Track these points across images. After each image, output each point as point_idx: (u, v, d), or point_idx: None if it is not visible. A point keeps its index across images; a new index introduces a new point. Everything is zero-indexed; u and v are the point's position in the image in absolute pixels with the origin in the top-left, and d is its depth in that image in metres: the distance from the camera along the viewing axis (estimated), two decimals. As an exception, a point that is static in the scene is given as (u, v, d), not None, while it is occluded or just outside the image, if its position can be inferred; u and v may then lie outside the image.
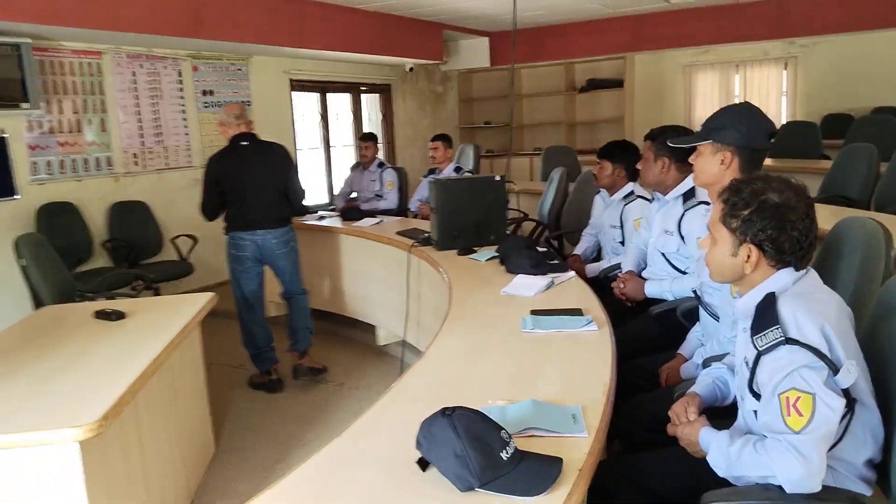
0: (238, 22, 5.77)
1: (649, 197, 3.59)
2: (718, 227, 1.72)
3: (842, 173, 5.05)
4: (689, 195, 2.89)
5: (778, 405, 1.49)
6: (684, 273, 2.96)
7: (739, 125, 2.19)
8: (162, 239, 6.04)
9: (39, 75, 5.22)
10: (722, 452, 1.61)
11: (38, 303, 3.67)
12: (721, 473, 1.62)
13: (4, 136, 5.08)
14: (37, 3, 4.47)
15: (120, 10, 4.90)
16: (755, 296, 1.66)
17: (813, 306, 1.56)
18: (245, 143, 4.10)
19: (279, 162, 4.21)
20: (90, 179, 5.71)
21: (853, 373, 1.49)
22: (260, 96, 7.12)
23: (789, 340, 1.51)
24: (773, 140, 2.27)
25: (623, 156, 3.81)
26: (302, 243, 5.37)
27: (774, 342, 1.53)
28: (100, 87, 5.73)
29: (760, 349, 1.55)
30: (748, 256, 1.66)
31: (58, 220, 5.30)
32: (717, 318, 2.36)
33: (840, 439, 1.55)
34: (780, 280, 1.65)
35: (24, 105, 4.96)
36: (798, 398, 1.47)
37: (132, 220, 5.87)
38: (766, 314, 1.58)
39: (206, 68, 6.63)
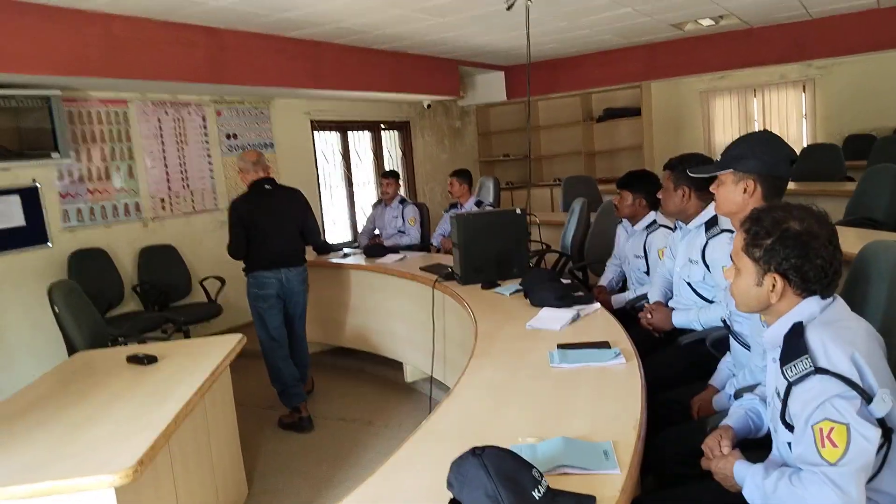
0: (258, 66, 5.91)
1: (672, 226, 3.59)
2: (741, 258, 1.72)
3: (867, 195, 5.00)
4: (711, 223, 2.88)
5: (812, 437, 1.48)
6: (711, 302, 2.94)
7: (761, 153, 2.20)
8: (190, 281, 6.13)
9: (69, 125, 5.37)
10: (757, 486, 1.59)
11: (72, 349, 3.73)
12: (757, 507, 1.60)
13: (37, 185, 5.22)
14: (66, 56, 4.62)
15: (145, 59, 5.05)
16: (783, 325, 1.65)
17: (842, 334, 1.55)
18: (268, 186, 4.34)
19: (297, 204, 4.50)
20: (119, 225, 5.84)
21: (888, 402, 1.48)
22: (282, 138, 7.26)
23: (819, 370, 1.50)
24: (793, 166, 2.27)
25: (642, 185, 3.82)
26: (327, 281, 5.43)
27: (804, 372, 1.52)
28: (126, 134, 5.88)
29: (791, 380, 1.54)
30: (773, 286, 1.65)
31: (89, 266, 5.41)
32: (748, 347, 2.34)
33: (879, 471, 1.53)
34: (807, 309, 1.64)
35: (55, 155, 5.10)
36: (832, 429, 1.45)
37: (161, 263, 5.96)
38: (794, 344, 1.57)
39: (230, 112, 6.78)
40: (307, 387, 4.71)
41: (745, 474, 1.64)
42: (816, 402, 1.48)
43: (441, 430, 1.97)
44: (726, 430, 1.85)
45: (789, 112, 8.74)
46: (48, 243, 5.31)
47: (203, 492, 2.91)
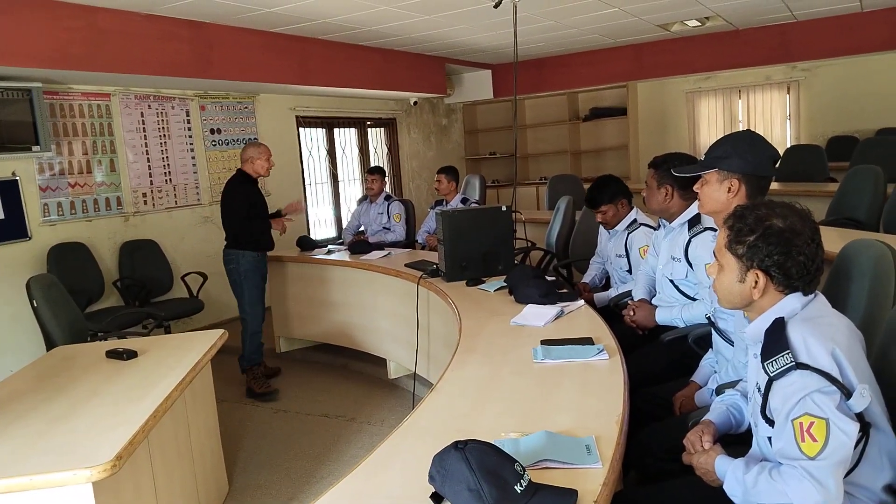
0: (244, 61, 5.87)
1: (653, 224, 3.60)
2: (724, 254, 1.72)
3: (849, 196, 5.05)
4: (694, 221, 2.89)
5: (792, 431, 1.49)
6: (694, 299, 2.95)
7: (744, 153, 2.21)
8: (172, 277, 6.08)
9: (50, 118, 5.32)
10: (738, 480, 1.59)
11: (51, 343, 3.69)
12: (738, 502, 1.61)
13: (16, 178, 5.16)
14: (47, 48, 4.56)
15: (129, 52, 5.00)
16: (764, 321, 1.66)
17: (823, 330, 1.56)
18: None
19: None
20: (100, 219, 5.78)
21: (866, 396, 1.49)
22: (267, 133, 7.21)
23: (800, 365, 1.51)
24: (776, 166, 2.29)
25: (614, 193, 3.83)
26: (311, 277, 5.43)
27: (785, 367, 1.53)
28: (109, 128, 5.82)
29: (772, 375, 1.55)
30: (756, 282, 1.66)
31: (69, 260, 5.35)
32: (731, 343, 2.35)
33: (856, 465, 1.54)
34: (789, 305, 1.65)
35: (35, 148, 5.04)
36: (812, 423, 1.46)
37: (142, 258, 5.91)
38: (775, 339, 1.58)
39: (214, 107, 6.73)
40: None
41: (726, 469, 1.65)
42: (797, 396, 1.49)
43: (424, 425, 1.96)
44: (707, 426, 1.86)
45: (773, 113, 8.82)
46: (28, 237, 5.24)
47: (183, 487, 2.88)
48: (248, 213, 4.67)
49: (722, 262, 1.74)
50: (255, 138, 7.10)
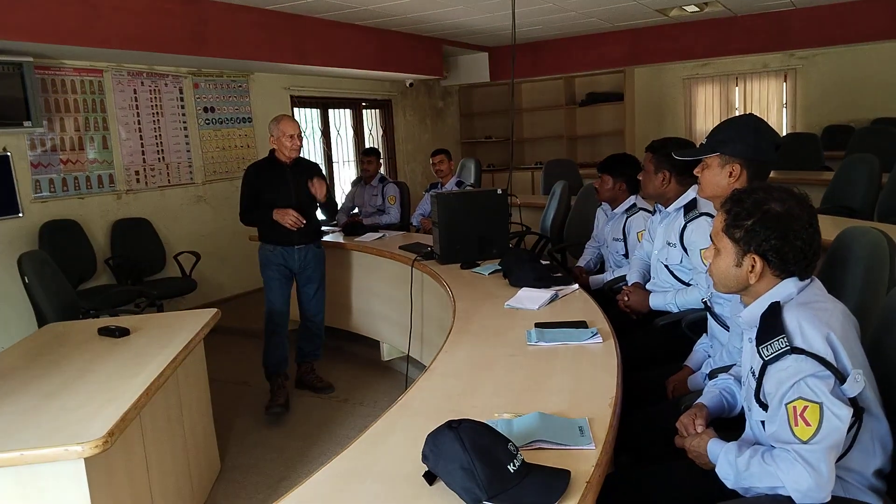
0: (239, 39, 5.81)
1: (651, 209, 3.60)
2: (721, 238, 1.72)
3: (844, 184, 5.06)
4: (690, 206, 2.89)
5: (785, 415, 1.49)
6: (688, 284, 2.95)
7: (747, 137, 2.20)
8: (165, 256, 6.05)
9: (41, 93, 5.25)
10: (730, 464, 1.60)
11: (42, 320, 3.66)
12: (730, 485, 1.61)
13: (7, 154, 5.11)
14: (39, 21, 4.50)
15: (121, 27, 4.93)
16: (760, 305, 1.66)
17: (818, 315, 1.55)
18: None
19: None
20: (92, 197, 5.73)
21: (860, 382, 1.49)
22: (261, 113, 7.15)
23: (795, 349, 1.51)
24: (778, 151, 2.28)
25: (624, 169, 3.82)
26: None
27: (780, 351, 1.53)
28: (101, 104, 5.76)
29: (766, 359, 1.55)
30: (752, 266, 1.66)
31: (61, 237, 5.31)
32: (727, 327, 2.35)
33: (849, 449, 1.55)
34: (785, 289, 1.65)
35: (27, 123, 4.98)
36: (805, 407, 1.47)
37: (135, 237, 5.87)
38: (771, 324, 1.58)
39: (207, 85, 6.67)
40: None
41: (719, 452, 1.65)
42: (791, 381, 1.49)
43: (417, 405, 1.96)
44: (700, 409, 1.86)
45: (770, 101, 8.81)
46: (19, 213, 5.20)
47: (175, 465, 2.88)
48: (250, 201, 4.14)
49: (719, 246, 1.73)
50: (248, 117, 7.05)
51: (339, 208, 6.67)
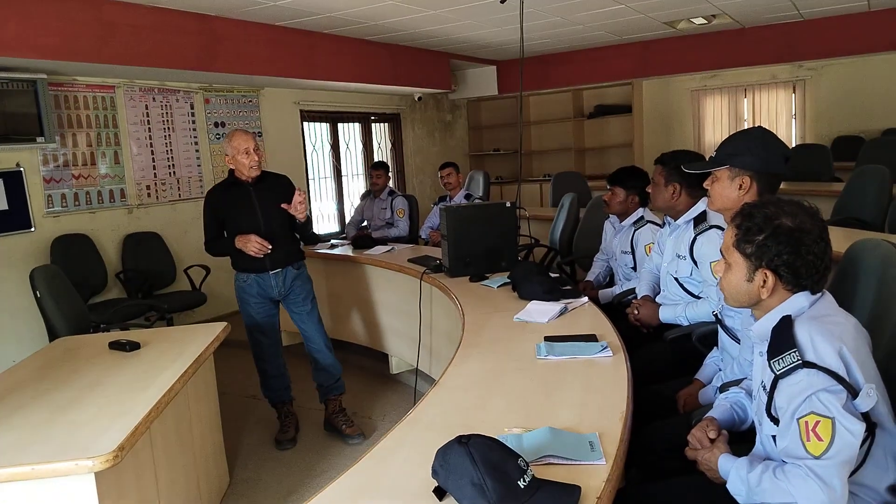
0: (249, 54, 5.86)
1: (659, 222, 3.59)
2: (732, 253, 1.71)
3: (854, 196, 5.03)
4: (700, 219, 2.88)
5: (797, 430, 1.48)
6: (698, 297, 2.94)
7: (756, 149, 2.20)
8: (175, 269, 6.08)
9: (54, 110, 5.31)
10: (742, 479, 1.59)
11: (53, 334, 3.69)
12: (741, 501, 1.60)
13: (20, 169, 5.16)
14: (53, 40, 4.56)
15: (134, 45, 4.99)
16: (771, 319, 1.65)
17: (830, 329, 1.54)
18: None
19: None
20: (104, 211, 5.78)
21: (873, 396, 1.48)
22: (271, 127, 7.21)
23: (806, 364, 1.50)
24: (788, 163, 2.27)
25: (635, 181, 3.82)
26: (313, 272, 5.41)
27: (792, 366, 1.51)
28: (113, 120, 5.82)
29: (778, 373, 1.54)
30: (764, 281, 1.65)
31: (72, 252, 5.35)
32: (738, 340, 2.34)
33: (861, 464, 1.53)
34: (797, 303, 1.64)
35: (40, 139, 5.04)
36: (817, 422, 1.45)
37: (145, 251, 5.91)
38: (782, 337, 1.57)
39: (218, 100, 6.73)
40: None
41: (730, 468, 1.64)
42: (803, 395, 1.48)
43: (427, 419, 1.96)
44: (711, 422, 1.85)
45: (779, 112, 8.78)
46: (31, 228, 5.25)
47: (185, 479, 2.88)
48: (214, 229, 3.78)
49: (729, 261, 1.72)
50: (259, 132, 7.09)
51: (347, 222, 6.70)
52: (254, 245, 3.59)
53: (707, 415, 1.92)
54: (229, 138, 3.68)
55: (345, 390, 4.11)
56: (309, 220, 3.95)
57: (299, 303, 3.92)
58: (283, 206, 3.66)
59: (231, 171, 3.73)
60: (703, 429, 1.82)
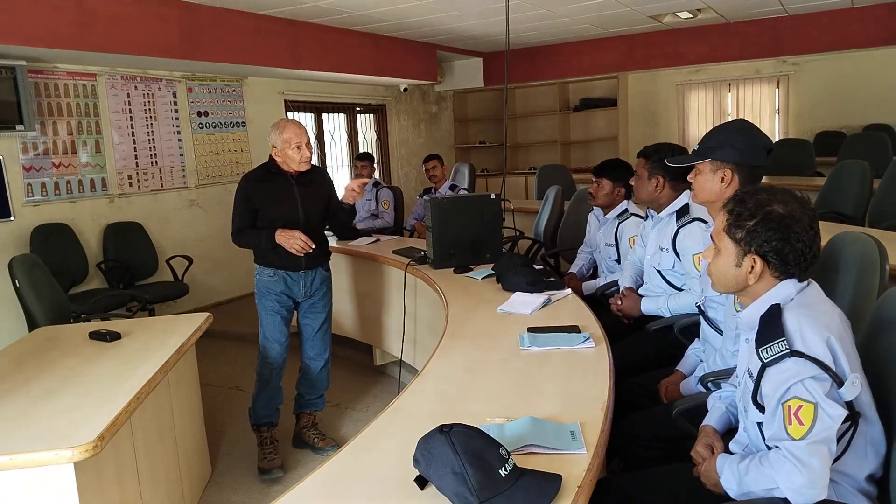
0: (233, 43, 5.80)
1: (643, 214, 3.61)
2: (722, 238, 1.72)
3: (835, 190, 5.08)
4: (682, 212, 2.90)
5: (781, 414, 1.50)
6: (680, 289, 2.96)
7: (737, 143, 2.22)
8: (157, 260, 6.03)
9: (34, 97, 5.24)
10: (733, 472, 1.60)
11: (33, 324, 3.64)
12: (733, 495, 1.61)
13: (0, 158, 5.08)
14: (33, 26, 4.49)
15: (115, 32, 4.93)
16: (759, 307, 1.66)
17: (818, 318, 1.56)
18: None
19: None
20: (85, 201, 5.71)
21: (857, 385, 1.50)
22: (255, 117, 7.15)
23: (794, 353, 1.51)
24: (770, 155, 2.29)
25: (622, 174, 3.83)
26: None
27: (780, 354, 1.53)
28: (94, 108, 5.75)
29: (766, 361, 1.55)
30: (752, 267, 1.66)
31: (52, 241, 5.29)
32: (720, 332, 2.36)
33: (843, 453, 1.55)
34: (784, 291, 1.65)
35: (19, 127, 4.96)
36: (800, 407, 1.47)
37: (127, 241, 5.85)
38: (770, 326, 1.58)
39: (201, 89, 6.66)
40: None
41: (724, 464, 1.65)
42: (789, 382, 1.50)
43: (409, 409, 1.96)
44: (713, 434, 1.84)
45: (762, 107, 8.84)
46: (10, 217, 5.17)
47: (166, 470, 2.86)
48: (246, 219, 3.44)
49: (719, 246, 1.74)
50: (242, 122, 7.03)
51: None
52: (298, 242, 3.31)
53: (704, 424, 1.91)
54: (280, 129, 3.36)
55: (323, 408, 3.84)
56: (353, 208, 3.77)
57: (319, 309, 3.66)
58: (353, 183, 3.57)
59: (271, 158, 3.44)
60: (706, 446, 1.81)
